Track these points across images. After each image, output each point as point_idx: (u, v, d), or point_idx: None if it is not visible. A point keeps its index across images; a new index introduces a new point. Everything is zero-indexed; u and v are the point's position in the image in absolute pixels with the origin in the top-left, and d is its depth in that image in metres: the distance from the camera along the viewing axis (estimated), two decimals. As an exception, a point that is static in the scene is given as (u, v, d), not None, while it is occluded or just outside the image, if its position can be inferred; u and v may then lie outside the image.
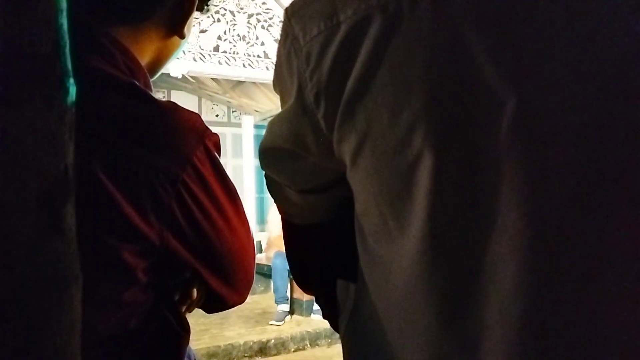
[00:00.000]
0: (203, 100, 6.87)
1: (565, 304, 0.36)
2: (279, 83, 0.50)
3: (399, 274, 0.43)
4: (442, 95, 0.38)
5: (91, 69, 0.59)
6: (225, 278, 0.67)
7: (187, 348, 0.69)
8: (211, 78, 5.62)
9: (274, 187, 0.61)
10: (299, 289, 4.59)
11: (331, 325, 0.65)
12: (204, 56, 4.58)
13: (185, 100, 6.61)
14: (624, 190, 0.36)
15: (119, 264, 0.57)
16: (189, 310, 0.72)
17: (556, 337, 0.36)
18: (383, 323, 0.46)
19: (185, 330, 0.67)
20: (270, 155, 0.55)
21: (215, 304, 0.72)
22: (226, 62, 4.67)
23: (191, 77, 5.32)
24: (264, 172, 0.60)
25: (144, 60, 0.68)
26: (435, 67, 0.38)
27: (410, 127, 0.38)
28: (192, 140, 0.61)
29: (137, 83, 0.62)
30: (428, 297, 0.40)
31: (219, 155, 0.66)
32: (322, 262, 0.66)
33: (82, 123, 0.54)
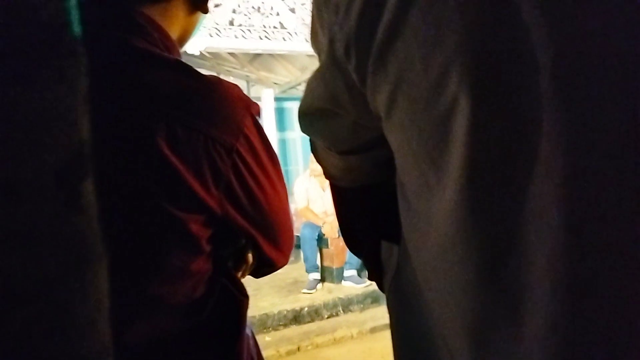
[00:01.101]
0: (222, 76, 6.84)
1: (614, 259, 0.34)
2: (314, 41, 0.49)
3: (438, 230, 0.41)
4: (477, 35, 0.35)
5: (136, 49, 0.62)
6: (275, 240, 0.71)
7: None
8: (228, 53, 5.58)
9: (317, 150, 0.61)
10: (329, 257, 4.68)
11: (378, 286, 0.66)
12: (219, 31, 4.53)
13: (204, 77, 6.56)
14: None
15: (187, 236, 0.60)
16: (243, 275, 0.75)
17: (604, 295, 0.34)
18: (424, 283, 0.46)
19: (244, 295, 0.71)
20: (309, 116, 0.54)
21: (264, 268, 0.77)
22: (242, 36, 4.61)
23: (208, 53, 5.29)
24: (308, 138, 0.61)
25: (173, 36, 0.70)
26: (470, 4, 0.36)
27: (444, 71, 0.36)
28: (241, 111, 0.64)
29: (179, 58, 0.65)
30: (467, 252, 0.39)
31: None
32: (368, 224, 0.66)
33: (140, 101, 0.59)
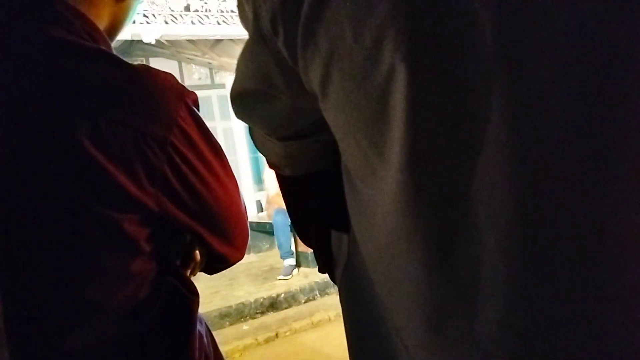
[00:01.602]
0: (183, 64, 6.67)
1: (569, 238, 0.32)
2: (242, 18, 0.45)
3: (383, 215, 0.39)
4: None
5: (53, 39, 0.57)
6: (224, 235, 0.68)
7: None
8: (187, 40, 5.42)
9: (257, 138, 0.57)
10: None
11: (330, 277, 0.63)
12: (175, 17, 4.39)
13: (164, 66, 6.40)
14: (621, 105, 0.31)
15: (122, 236, 0.58)
16: (193, 273, 0.73)
17: (560, 282, 0.32)
18: (373, 273, 0.43)
19: (193, 293, 0.68)
20: (242, 100, 0.50)
21: (216, 264, 0.74)
22: (199, 22, 4.48)
23: (167, 41, 5.14)
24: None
25: (101, 25, 0.66)
26: None
27: (377, 39, 0.33)
28: (173, 101, 0.60)
29: (104, 48, 0.60)
30: (414, 238, 0.36)
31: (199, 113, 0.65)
32: (317, 214, 0.63)
33: (57, 96, 0.55)
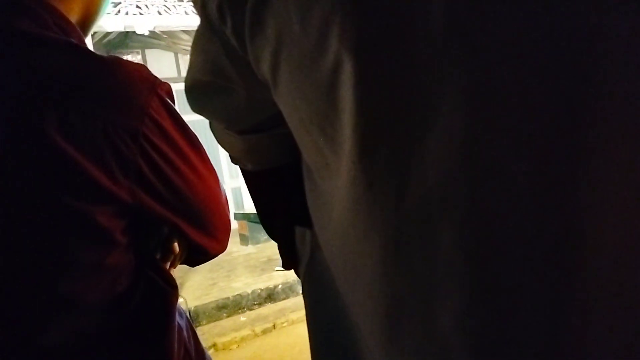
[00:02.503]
0: (180, 55, 6.63)
1: (528, 224, 0.30)
2: (194, 6, 0.44)
3: (339, 209, 0.37)
4: None
5: (20, 32, 0.57)
6: (203, 227, 0.67)
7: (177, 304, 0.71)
8: (182, 31, 5.39)
9: (217, 131, 0.56)
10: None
11: (295, 274, 0.62)
12: (168, 8, 4.35)
13: (161, 57, 6.40)
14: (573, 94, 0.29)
15: (96, 229, 0.57)
16: (173, 266, 0.72)
17: (521, 267, 0.31)
18: (333, 268, 0.42)
19: (172, 286, 0.68)
20: (195, 92, 0.49)
21: (197, 255, 0.73)
22: (193, 12, 4.43)
23: (162, 32, 5.10)
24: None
25: (73, 18, 0.65)
26: None
27: (323, 28, 0.32)
28: (144, 91, 0.59)
29: (73, 40, 0.59)
30: (368, 231, 0.35)
31: (174, 104, 0.64)
32: (281, 209, 0.62)
33: (24, 89, 0.54)
